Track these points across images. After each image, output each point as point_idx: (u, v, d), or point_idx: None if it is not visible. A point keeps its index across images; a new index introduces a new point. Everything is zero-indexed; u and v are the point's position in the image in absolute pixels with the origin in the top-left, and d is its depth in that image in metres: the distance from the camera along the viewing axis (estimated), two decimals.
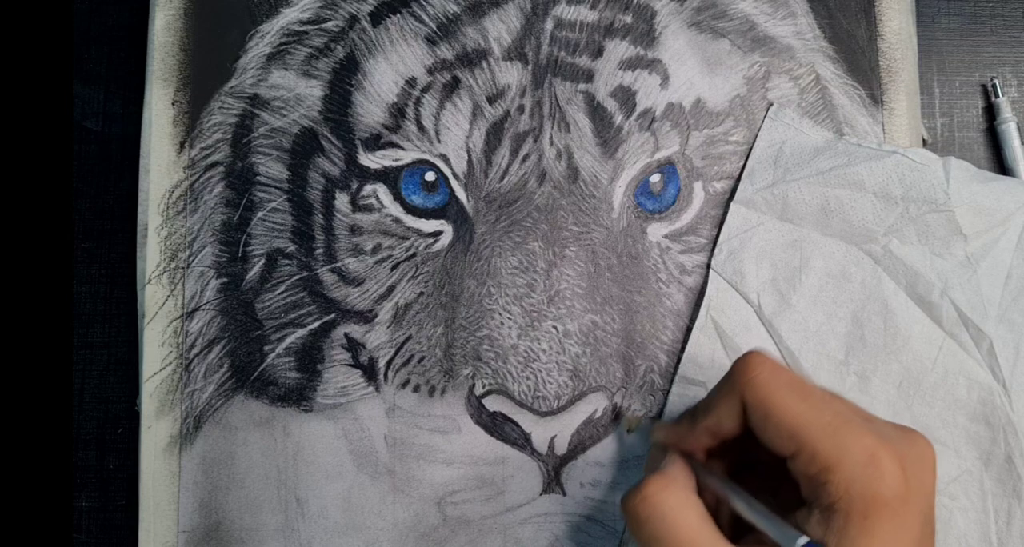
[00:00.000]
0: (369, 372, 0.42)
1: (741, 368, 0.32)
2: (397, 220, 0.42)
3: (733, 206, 0.42)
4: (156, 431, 0.41)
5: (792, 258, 0.42)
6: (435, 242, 0.42)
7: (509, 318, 0.41)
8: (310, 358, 0.42)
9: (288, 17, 0.43)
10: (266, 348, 0.42)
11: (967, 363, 0.40)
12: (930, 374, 0.40)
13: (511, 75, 0.43)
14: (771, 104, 0.43)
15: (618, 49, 0.43)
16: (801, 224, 0.42)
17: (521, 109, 0.42)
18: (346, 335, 0.42)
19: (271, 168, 0.43)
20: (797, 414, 0.30)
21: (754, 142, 0.43)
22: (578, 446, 0.41)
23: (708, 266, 0.42)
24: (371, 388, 0.42)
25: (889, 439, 0.30)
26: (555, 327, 0.41)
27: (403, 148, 0.42)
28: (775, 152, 0.43)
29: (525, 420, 0.41)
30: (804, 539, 0.29)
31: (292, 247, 0.42)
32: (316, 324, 0.42)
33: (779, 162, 0.42)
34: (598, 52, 0.43)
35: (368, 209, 0.42)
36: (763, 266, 0.42)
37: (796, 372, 0.35)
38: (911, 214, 0.41)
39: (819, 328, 0.41)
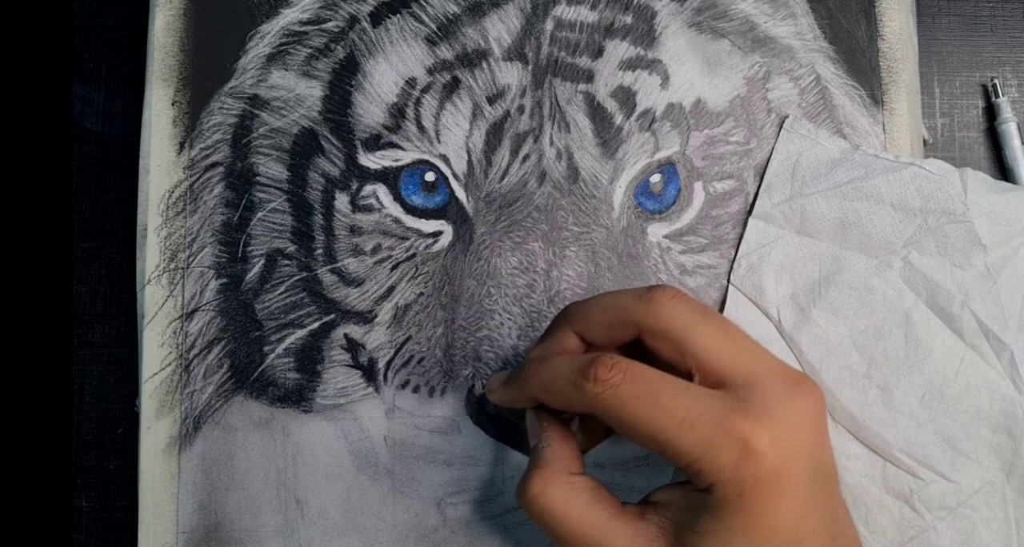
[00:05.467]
0: (369, 373, 0.42)
1: (591, 375, 0.31)
2: (397, 220, 0.42)
3: (751, 221, 0.42)
4: (156, 432, 0.41)
5: (812, 272, 0.42)
6: (435, 242, 0.42)
7: (509, 318, 0.41)
8: (310, 359, 0.42)
9: (288, 17, 0.43)
10: (266, 349, 0.42)
11: (989, 374, 0.40)
12: (952, 386, 0.40)
13: (511, 75, 0.43)
14: (787, 116, 0.43)
15: (618, 49, 0.43)
16: (820, 238, 0.42)
17: (521, 109, 0.42)
18: (346, 336, 0.42)
19: (271, 168, 0.43)
20: (651, 419, 0.30)
21: (769, 156, 0.43)
22: None
23: (728, 280, 0.42)
24: (371, 389, 0.42)
25: (763, 408, 0.30)
26: None
27: (403, 148, 0.42)
28: (792, 165, 0.43)
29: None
30: None
31: (292, 247, 0.42)
32: (316, 325, 0.42)
33: (796, 175, 0.42)
34: (598, 52, 0.43)
35: (368, 209, 0.42)
36: (782, 280, 0.42)
37: None
38: (930, 226, 0.41)
39: (840, 342, 0.41)
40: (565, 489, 0.32)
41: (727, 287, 0.42)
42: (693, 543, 0.30)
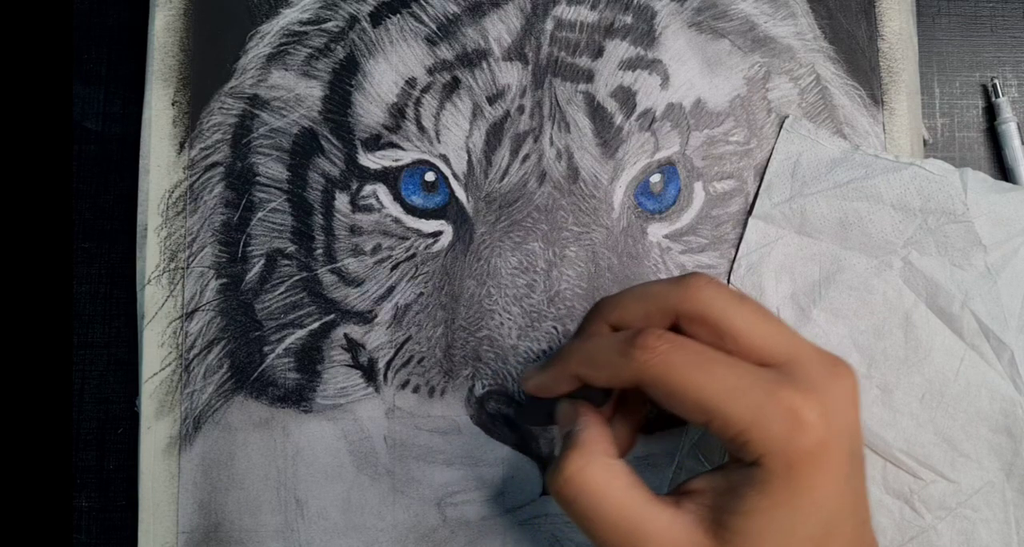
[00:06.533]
0: (369, 373, 0.42)
1: (639, 342, 0.31)
2: (397, 220, 0.42)
3: (751, 221, 0.42)
4: (156, 432, 0.41)
5: (812, 272, 0.42)
6: (435, 242, 0.42)
7: (509, 318, 0.41)
8: (310, 359, 0.42)
9: (288, 17, 0.43)
10: (266, 349, 0.42)
11: (989, 374, 0.40)
12: (952, 386, 0.40)
13: (511, 75, 0.43)
14: (787, 116, 0.43)
15: (618, 49, 0.43)
16: (820, 238, 0.42)
17: (521, 109, 0.42)
18: (346, 336, 0.42)
19: (271, 168, 0.43)
20: (701, 387, 0.30)
21: (770, 155, 0.43)
22: None
23: (728, 281, 0.42)
24: (371, 389, 0.42)
25: (809, 383, 0.30)
26: (555, 328, 0.41)
27: (403, 148, 0.42)
28: (792, 165, 0.43)
29: None
30: None
31: (292, 247, 0.42)
32: (316, 325, 0.42)
33: (796, 175, 0.42)
34: (598, 52, 0.43)
35: (368, 209, 0.42)
36: (783, 281, 0.42)
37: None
38: (930, 226, 0.41)
39: (840, 342, 0.41)
40: (603, 470, 0.31)
41: None
42: (736, 525, 0.29)
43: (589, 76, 0.43)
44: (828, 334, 0.41)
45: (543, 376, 0.35)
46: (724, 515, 0.30)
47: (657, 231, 0.43)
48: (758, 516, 0.29)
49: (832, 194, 0.42)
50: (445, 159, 0.42)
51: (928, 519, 0.40)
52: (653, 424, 0.31)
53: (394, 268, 0.42)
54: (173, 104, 0.43)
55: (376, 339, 0.42)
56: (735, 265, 0.42)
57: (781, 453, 0.29)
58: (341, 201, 0.42)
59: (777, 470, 0.29)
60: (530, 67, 0.43)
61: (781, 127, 0.43)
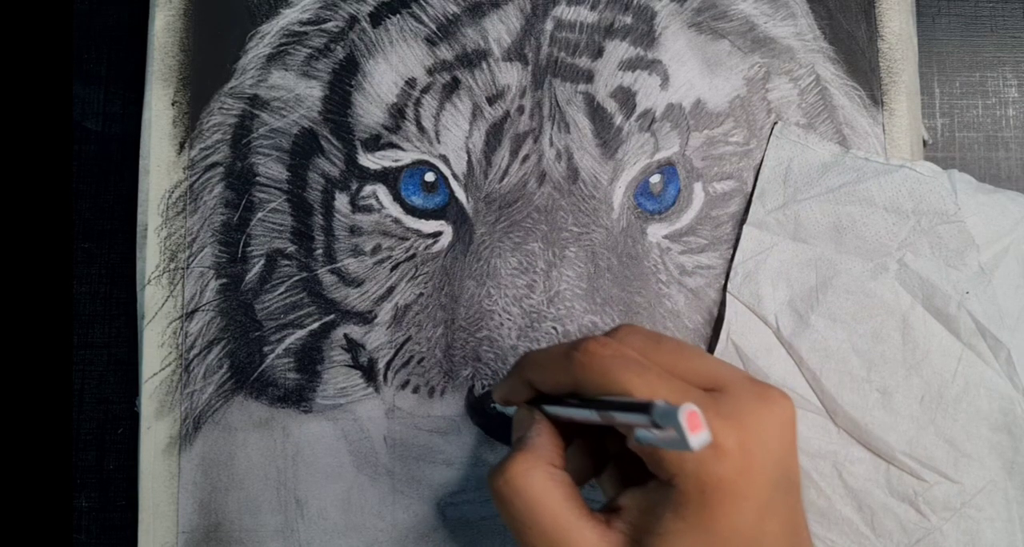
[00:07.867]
0: (369, 373, 0.42)
1: (581, 346, 0.31)
2: (397, 221, 0.42)
3: (746, 229, 0.42)
4: (156, 432, 0.41)
5: (808, 278, 0.42)
6: (435, 243, 0.42)
7: (509, 319, 0.41)
8: (310, 359, 0.42)
9: (288, 18, 0.43)
10: (266, 349, 0.42)
11: (986, 373, 0.40)
12: (951, 387, 0.40)
13: (511, 76, 0.43)
14: (775, 122, 0.43)
15: (618, 50, 0.43)
16: (815, 243, 0.42)
17: (521, 110, 0.42)
18: (346, 336, 0.42)
19: (271, 169, 0.43)
20: (631, 390, 0.30)
21: (761, 162, 0.43)
22: None
23: (724, 289, 0.42)
24: (371, 389, 0.42)
25: (732, 410, 0.30)
26: (555, 328, 0.41)
27: (403, 149, 0.42)
28: (783, 171, 0.43)
29: None
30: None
31: (292, 248, 0.42)
32: (316, 325, 0.42)
33: (788, 181, 0.42)
34: (598, 53, 0.43)
35: (368, 210, 0.42)
36: (779, 287, 0.42)
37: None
38: (923, 227, 0.41)
39: (839, 346, 0.41)
40: (546, 477, 0.31)
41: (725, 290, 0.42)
42: (654, 546, 0.29)
43: (589, 76, 0.43)
44: (827, 339, 0.41)
45: (504, 386, 0.36)
46: (644, 536, 0.30)
47: (657, 231, 0.43)
48: (674, 539, 0.29)
49: (825, 199, 0.42)
50: (445, 159, 0.42)
51: (934, 520, 0.40)
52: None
53: (394, 268, 0.42)
54: (173, 104, 0.43)
55: (376, 339, 0.42)
56: (731, 274, 0.42)
57: (694, 476, 0.29)
58: (341, 201, 0.42)
59: (691, 493, 0.29)
60: (530, 67, 0.43)
61: (771, 133, 0.43)
